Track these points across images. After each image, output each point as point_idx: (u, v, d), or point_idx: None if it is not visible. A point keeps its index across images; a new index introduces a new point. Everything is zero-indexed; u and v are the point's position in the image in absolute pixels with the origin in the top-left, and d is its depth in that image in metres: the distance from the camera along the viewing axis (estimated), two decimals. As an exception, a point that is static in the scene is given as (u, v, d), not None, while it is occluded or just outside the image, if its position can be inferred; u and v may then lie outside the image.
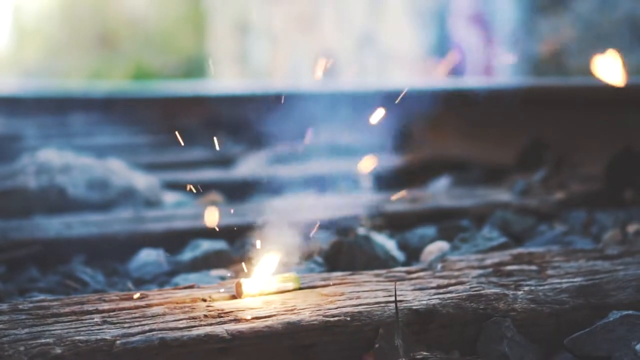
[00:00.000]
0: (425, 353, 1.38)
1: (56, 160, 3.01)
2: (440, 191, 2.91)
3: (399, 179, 3.32)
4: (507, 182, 2.93)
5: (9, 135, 5.94)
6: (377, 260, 1.95)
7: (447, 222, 2.25)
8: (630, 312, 1.48)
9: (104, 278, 2.00)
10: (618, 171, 2.66)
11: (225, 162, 4.16)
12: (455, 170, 3.34)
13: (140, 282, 1.99)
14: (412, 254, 2.09)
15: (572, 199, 2.62)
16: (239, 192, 3.24)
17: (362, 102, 4.32)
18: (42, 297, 1.68)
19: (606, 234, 2.22)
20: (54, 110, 8.31)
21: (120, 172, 3.07)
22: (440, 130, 3.70)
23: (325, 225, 2.36)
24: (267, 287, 1.58)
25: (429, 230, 2.24)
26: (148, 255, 2.10)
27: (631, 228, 2.25)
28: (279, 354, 1.38)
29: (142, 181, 3.08)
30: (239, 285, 1.56)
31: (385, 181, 3.32)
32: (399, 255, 2.04)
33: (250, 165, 3.99)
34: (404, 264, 2.01)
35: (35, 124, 6.83)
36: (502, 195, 2.70)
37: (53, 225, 2.35)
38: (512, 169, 3.13)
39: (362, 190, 3.16)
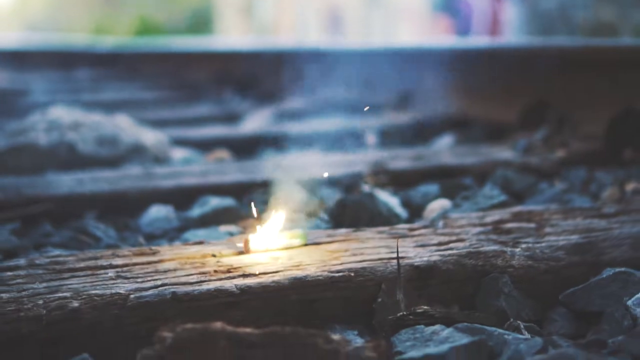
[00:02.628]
0: (425, 307, 1.44)
1: (66, 117, 3.06)
2: (443, 149, 2.95)
3: (404, 137, 3.38)
4: (510, 140, 2.97)
5: (15, 90, 5.99)
6: (380, 217, 2.01)
7: (450, 181, 2.30)
8: (623, 269, 1.54)
9: (116, 233, 2.06)
10: (618, 131, 2.70)
11: (232, 118, 4.21)
12: (458, 128, 3.39)
13: (151, 237, 2.05)
14: (415, 211, 2.14)
15: (573, 158, 2.67)
16: (246, 148, 3.30)
17: (367, 59, 4.37)
18: (57, 252, 1.74)
19: (605, 192, 2.27)
20: (60, 64, 8.34)
21: (129, 129, 3.12)
22: (445, 89, 3.73)
23: (331, 182, 2.41)
24: (274, 244, 1.64)
25: (432, 188, 2.29)
26: (158, 211, 2.16)
27: (629, 186, 2.30)
28: (286, 308, 1.44)
29: (151, 137, 3.13)
30: (247, 242, 1.62)
31: (390, 138, 3.37)
32: (402, 212, 2.09)
33: (257, 122, 4.03)
34: (407, 221, 2.07)
35: (41, 79, 6.87)
36: (504, 153, 2.75)
37: (65, 182, 2.40)
38: (514, 127, 3.17)
39: (367, 147, 3.21)
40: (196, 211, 2.15)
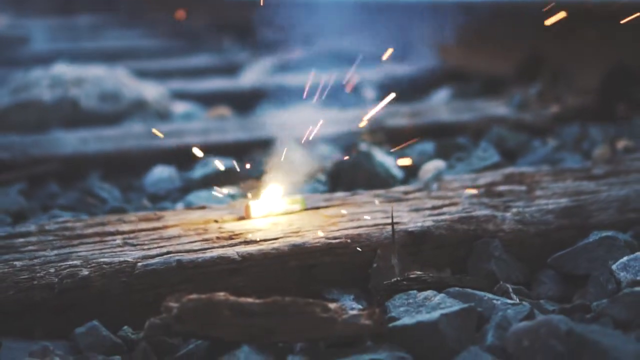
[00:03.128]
0: (418, 272, 1.51)
1: (69, 73, 3.11)
2: (440, 103, 3.00)
3: (402, 90, 3.42)
4: (505, 94, 3.02)
5: (15, 36, 6.00)
6: (377, 178, 2.07)
7: (445, 140, 2.35)
8: (609, 233, 1.60)
9: (121, 194, 2.13)
10: (611, 86, 2.75)
11: (231, 69, 4.25)
12: (455, 81, 3.43)
13: (155, 198, 2.11)
14: (411, 170, 2.20)
15: (566, 113, 2.72)
16: (245, 102, 3.35)
17: (367, 10, 4.38)
18: (65, 217, 1.80)
19: (596, 150, 2.33)
20: (60, 9, 8.33)
21: (130, 83, 3.17)
22: (443, 41, 3.76)
23: (329, 140, 2.47)
24: (274, 209, 1.70)
25: (428, 146, 2.34)
26: (161, 172, 2.22)
27: (620, 144, 2.36)
28: (285, 273, 1.51)
29: (152, 92, 3.19)
30: (247, 208, 1.68)
31: (388, 91, 3.41)
32: (398, 172, 2.15)
33: (256, 73, 4.07)
34: (403, 182, 2.13)
35: (41, 26, 6.88)
36: (499, 108, 2.81)
37: (70, 141, 2.46)
38: (510, 80, 3.21)
39: (365, 101, 3.26)
40: (198, 172, 2.21)
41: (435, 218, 1.65)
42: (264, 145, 2.28)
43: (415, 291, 1.45)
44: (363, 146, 2.32)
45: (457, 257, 1.61)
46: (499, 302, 1.40)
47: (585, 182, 1.88)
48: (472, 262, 1.60)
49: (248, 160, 2.32)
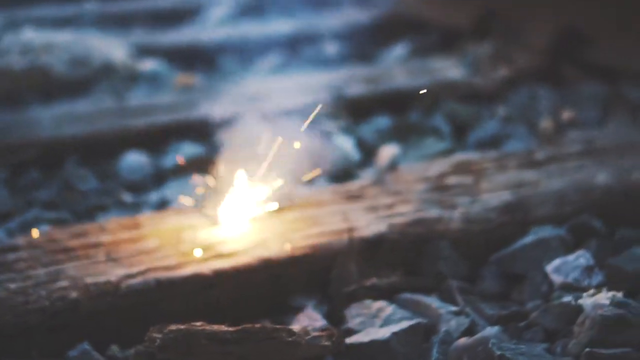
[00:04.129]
0: (373, 280, 1.68)
1: (37, 39, 3.21)
2: (396, 66, 3.13)
3: (361, 42, 3.54)
4: (460, 51, 3.16)
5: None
6: (337, 164, 2.23)
7: (399, 118, 2.51)
8: (545, 235, 1.77)
9: (98, 183, 2.27)
10: (561, 48, 2.89)
11: (192, 11, 4.34)
12: (413, 33, 3.56)
13: (131, 188, 2.26)
14: (368, 151, 2.36)
15: (517, 75, 2.87)
16: (210, 57, 3.47)
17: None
18: (48, 229, 1.94)
19: (542, 122, 2.50)
20: None
21: (99, 46, 3.28)
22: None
23: (292, 114, 2.61)
24: (242, 213, 1.86)
25: (384, 122, 2.50)
26: (134, 160, 2.36)
27: (565, 115, 2.52)
28: (255, 284, 1.67)
29: (119, 54, 3.29)
30: (216, 216, 1.84)
31: (349, 43, 3.54)
32: (355, 154, 2.31)
33: (218, 16, 4.17)
34: (361, 164, 2.29)
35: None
36: (452, 71, 2.95)
37: (45, 122, 2.59)
38: (466, 34, 3.34)
39: (326, 57, 3.39)
40: (170, 160, 2.36)
41: (389, 221, 1.81)
42: (230, 123, 2.41)
43: (370, 300, 1.63)
44: (324, 125, 2.46)
45: (410, 258, 1.78)
46: (444, 310, 1.58)
47: (527, 170, 2.05)
48: (423, 262, 1.78)
49: (216, 140, 2.45)
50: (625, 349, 1.38)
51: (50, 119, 2.61)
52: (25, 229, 1.99)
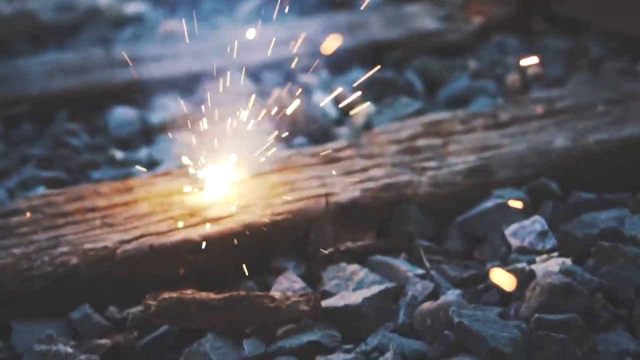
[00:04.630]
0: (347, 244, 1.84)
1: (24, -17, 3.29)
2: (372, 15, 3.23)
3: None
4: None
5: None
6: (315, 123, 2.37)
7: (374, 75, 2.63)
8: (504, 199, 1.93)
9: (89, 139, 2.41)
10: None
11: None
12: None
13: (121, 144, 2.40)
14: (345, 108, 2.49)
15: (488, 27, 2.99)
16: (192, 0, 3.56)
17: None
18: (46, 191, 2.06)
19: (508, 76, 2.63)
20: None
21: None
22: None
23: (273, 66, 2.73)
24: (225, 177, 2.00)
25: (358, 74, 2.62)
26: (122, 114, 2.49)
27: (530, 70, 2.66)
28: (240, 247, 1.83)
29: (104, -2, 3.39)
30: (203, 180, 1.98)
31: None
32: (333, 113, 2.45)
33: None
34: (338, 122, 2.43)
35: None
36: (426, 20, 3.06)
37: (36, 74, 2.70)
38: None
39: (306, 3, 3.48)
40: (157, 116, 2.49)
41: (362, 186, 1.96)
42: (215, 76, 2.53)
43: (344, 263, 1.79)
44: (302, 79, 2.59)
45: (382, 220, 1.94)
46: (411, 274, 1.74)
47: (492, 132, 2.19)
48: (393, 223, 1.93)
49: (198, 94, 2.57)
50: (571, 314, 1.55)
51: (41, 72, 2.73)
52: (24, 188, 2.12)
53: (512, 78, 2.60)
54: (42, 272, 1.73)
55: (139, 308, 1.66)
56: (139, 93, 2.61)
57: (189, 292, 1.61)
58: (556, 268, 1.69)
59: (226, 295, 1.61)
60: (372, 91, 2.54)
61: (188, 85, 2.62)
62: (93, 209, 1.91)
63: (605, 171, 2.06)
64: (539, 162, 2.07)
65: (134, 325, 1.64)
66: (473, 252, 1.89)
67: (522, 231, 1.85)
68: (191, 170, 2.04)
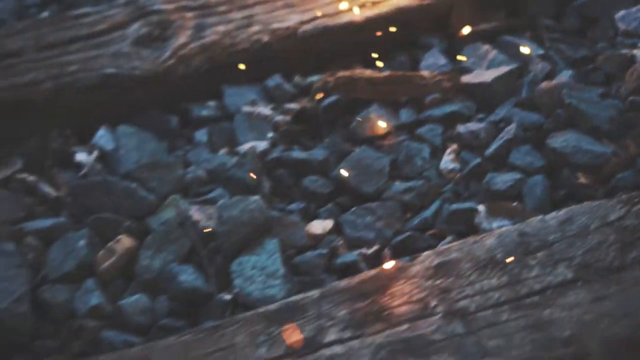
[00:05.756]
0: (484, 25, 2.26)
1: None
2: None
3: None
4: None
5: None
6: None
7: None
8: None
9: None
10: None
11: None
12: None
13: None
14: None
15: None
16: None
17: None
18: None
19: None
20: None
21: None
22: None
23: None
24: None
25: None
26: None
27: None
28: (391, 26, 2.26)
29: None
30: None
31: None
32: None
33: None
34: None
35: None
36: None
37: None
38: None
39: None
40: None
41: None
42: None
43: (479, 43, 2.22)
44: None
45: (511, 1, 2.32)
46: (534, 54, 2.16)
47: None
48: (520, 5, 2.33)
49: None
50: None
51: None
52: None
53: None
54: (242, 48, 2.20)
55: (319, 78, 2.13)
56: None
57: (357, 71, 2.09)
58: (650, 52, 2.08)
59: (387, 74, 2.08)
60: None
61: None
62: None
63: None
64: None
65: (316, 92, 2.13)
66: (587, 32, 2.28)
67: (630, 16, 2.22)
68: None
